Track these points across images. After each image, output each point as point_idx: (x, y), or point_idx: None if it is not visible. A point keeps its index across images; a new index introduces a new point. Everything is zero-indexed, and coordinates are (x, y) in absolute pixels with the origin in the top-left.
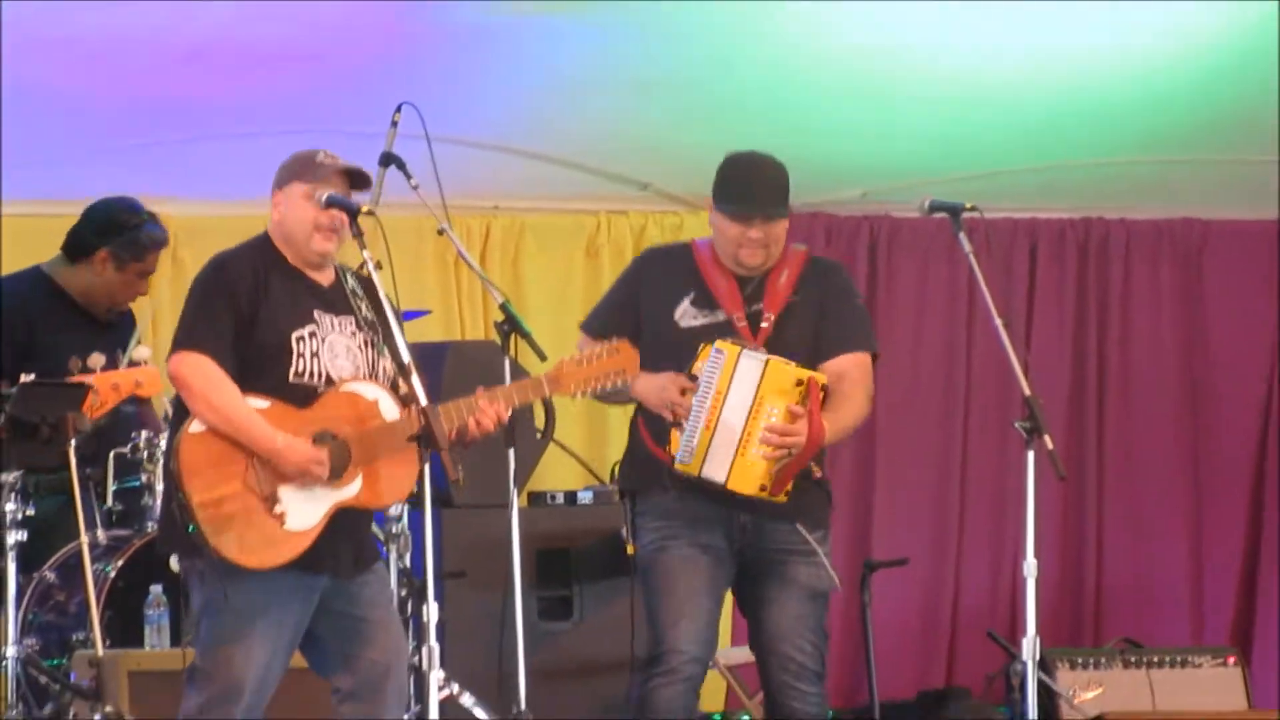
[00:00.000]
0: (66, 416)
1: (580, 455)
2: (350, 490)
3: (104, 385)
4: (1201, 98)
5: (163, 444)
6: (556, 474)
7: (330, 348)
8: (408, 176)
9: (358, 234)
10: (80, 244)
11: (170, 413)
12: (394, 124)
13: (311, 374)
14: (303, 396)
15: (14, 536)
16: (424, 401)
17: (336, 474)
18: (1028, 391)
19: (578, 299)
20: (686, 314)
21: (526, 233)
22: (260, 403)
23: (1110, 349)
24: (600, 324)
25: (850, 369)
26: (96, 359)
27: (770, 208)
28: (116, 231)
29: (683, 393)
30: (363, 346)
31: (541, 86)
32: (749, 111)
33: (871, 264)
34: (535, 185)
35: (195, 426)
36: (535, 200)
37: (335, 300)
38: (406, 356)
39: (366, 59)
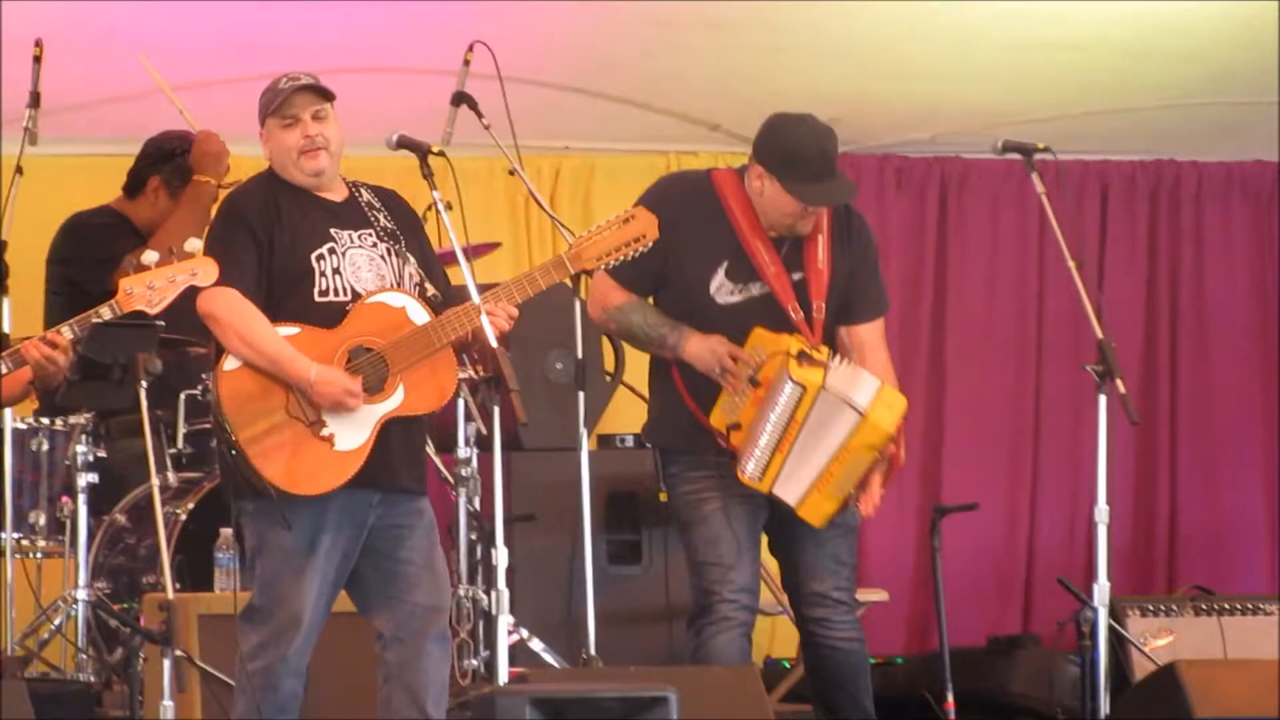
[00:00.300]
0: (137, 358)
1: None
2: (394, 401)
3: (160, 279)
4: (1271, 38)
5: None
6: (626, 417)
7: (351, 261)
8: (479, 115)
9: (428, 174)
10: (135, 178)
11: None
12: (466, 63)
13: (336, 290)
14: (331, 315)
15: (85, 479)
16: (494, 344)
17: (376, 387)
18: (1100, 335)
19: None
20: (722, 289)
21: (596, 173)
22: (290, 329)
23: (1183, 292)
24: (631, 278)
25: (875, 339)
26: (150, 256)
27: (849, 191)
28: (165, 159)
29: (734, 360)
30: (385, 256)
31: (612, 26)
32: (820, 53)
33: (942, 206)
34: (605, 126)
35: (230, 363)
36: (605, 141)
37: (350, 215)
38: (477, 297)
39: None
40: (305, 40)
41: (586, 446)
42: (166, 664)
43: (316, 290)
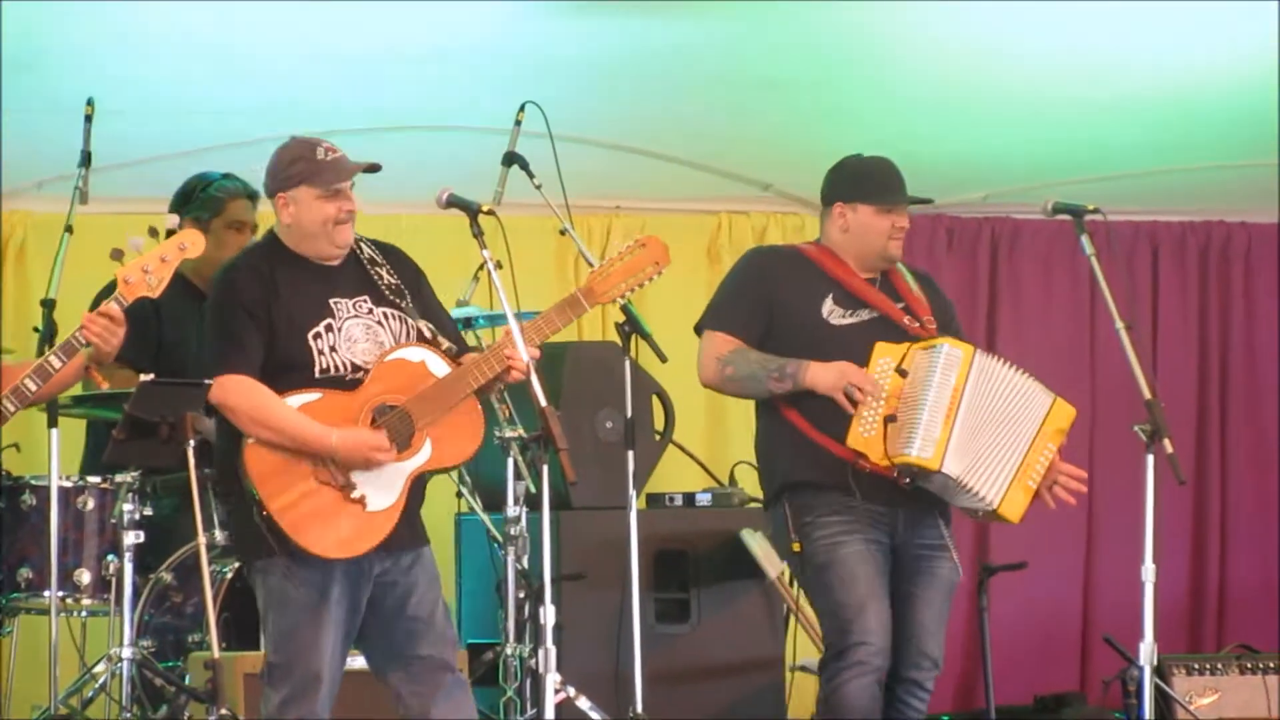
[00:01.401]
0: (185, 416)
1: (699, 457)
2: (422, 456)
3: (153, 261)
4: None
5: None
6: (675, 475)
7: (348, 335)
8: (530, 175)
9: (478, 233)
10: (169, 231)
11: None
12: (518, 123)
13: (336, 367)
14: (341, 385)
15: (131, 537)
16: (543, 402)
17: (404, 444)
18: (1148, 395)
19: (699, 299)
20: (834, 313)
21: (648, 233)
22: (311, 395)
23: (1233, 352)
24: (733, 322)
25: None
26: (137, 241)
27: (910, 196)
28: (190, 197)
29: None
30: (383, 321)
31: (664, 86)
32: (871, 112)
33: (993, 266)
34: (657, 185)
35: (251, 438)
36: (657, 200)
37: (348, 279)
38: (526, 355)
39: (489, 57)
40: (356, 99)
41: (635, 505)
42: None
43: (317, 369)
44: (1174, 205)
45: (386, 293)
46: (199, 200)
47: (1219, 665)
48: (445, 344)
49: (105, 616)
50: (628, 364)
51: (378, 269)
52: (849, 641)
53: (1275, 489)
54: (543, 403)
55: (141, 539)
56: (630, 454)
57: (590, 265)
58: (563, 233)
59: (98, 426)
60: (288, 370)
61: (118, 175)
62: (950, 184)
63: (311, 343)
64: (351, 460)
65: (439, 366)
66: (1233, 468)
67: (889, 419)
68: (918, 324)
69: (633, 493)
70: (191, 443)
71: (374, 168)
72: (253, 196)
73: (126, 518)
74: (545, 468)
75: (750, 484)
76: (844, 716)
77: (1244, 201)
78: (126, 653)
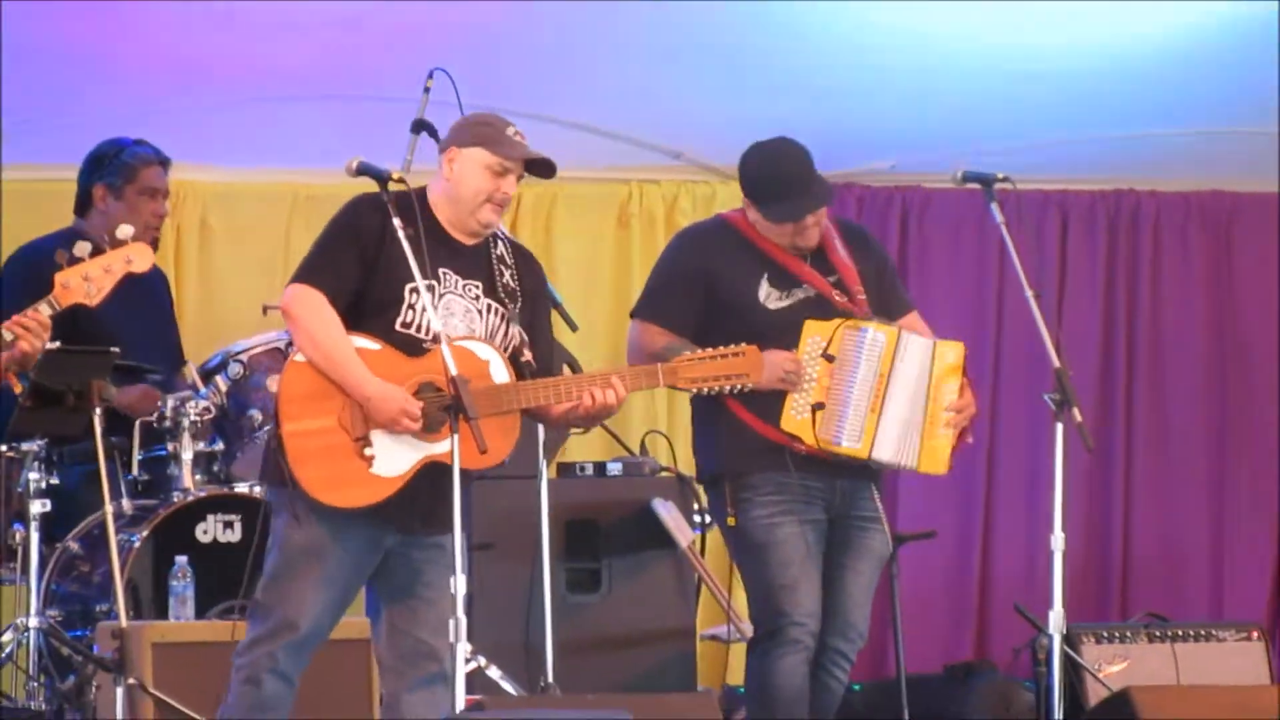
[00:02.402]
0: (92, 384)
1: (609, 426)
2: (443, 446)
3: (96, 270)
4: (1232, 68)
5: (190, 413)
6: (585, 445)
7: (446, 306)
8: (439, 143)
9: (390, 199)
10: (81, 195)
11: (196, 380)
12: (426, 90)
13: (418, 326)
14: (410, 346)
15: (38, 506)
16: (454, 371)
17: (434, 427)
18: (1057, 363)
19: (608, 268)
20: (770, 296)
21: (558, 201)
22: (371, 344)
23: (1140, 322)
24: (667, 313)
25: (922, 326)
26: (82, 247)
27: (822, 197)
28: (102, 164)
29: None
30: (485, 311)
31: (574, 53)
32: (782, 82)
33: (903, 235)
34: (568, 153)
35: (301, 356)
36: (567, 169)
37: (471, 262)
38: (439, 324)
39: (398, 25)
40: (267, 65)
41: (546, 475)
42: (119, 692)
43: (400, 320)
44: (1083, 174)
45: (500, 291)
46: (112, 166)
47: (1128, 634)
48: (526, 357)
49: (12, 586)
50: None
51: (503, 267)
52: (782, 621)
53: (1178, 457)
54: (453, 371)
55: (48, 508)
56: (540, 424)
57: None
58: None
59: (4, 395)
60: (372, 312)
61: (25, 141)
62: (860, 151)
63: (406, 294)
64: (378, 413)
65: (501, 373)
66: (1137, 438)
67: (817, 406)
68: (846, 298)
69: (543, 462)
70: (97, 411)
71: (549, 166)
72: (165, 163)
73: (33, 486)
74: (455, 437)
75: (661, 453)
76: (775, 694)
77: (1152, 171)
78: (33, 622)
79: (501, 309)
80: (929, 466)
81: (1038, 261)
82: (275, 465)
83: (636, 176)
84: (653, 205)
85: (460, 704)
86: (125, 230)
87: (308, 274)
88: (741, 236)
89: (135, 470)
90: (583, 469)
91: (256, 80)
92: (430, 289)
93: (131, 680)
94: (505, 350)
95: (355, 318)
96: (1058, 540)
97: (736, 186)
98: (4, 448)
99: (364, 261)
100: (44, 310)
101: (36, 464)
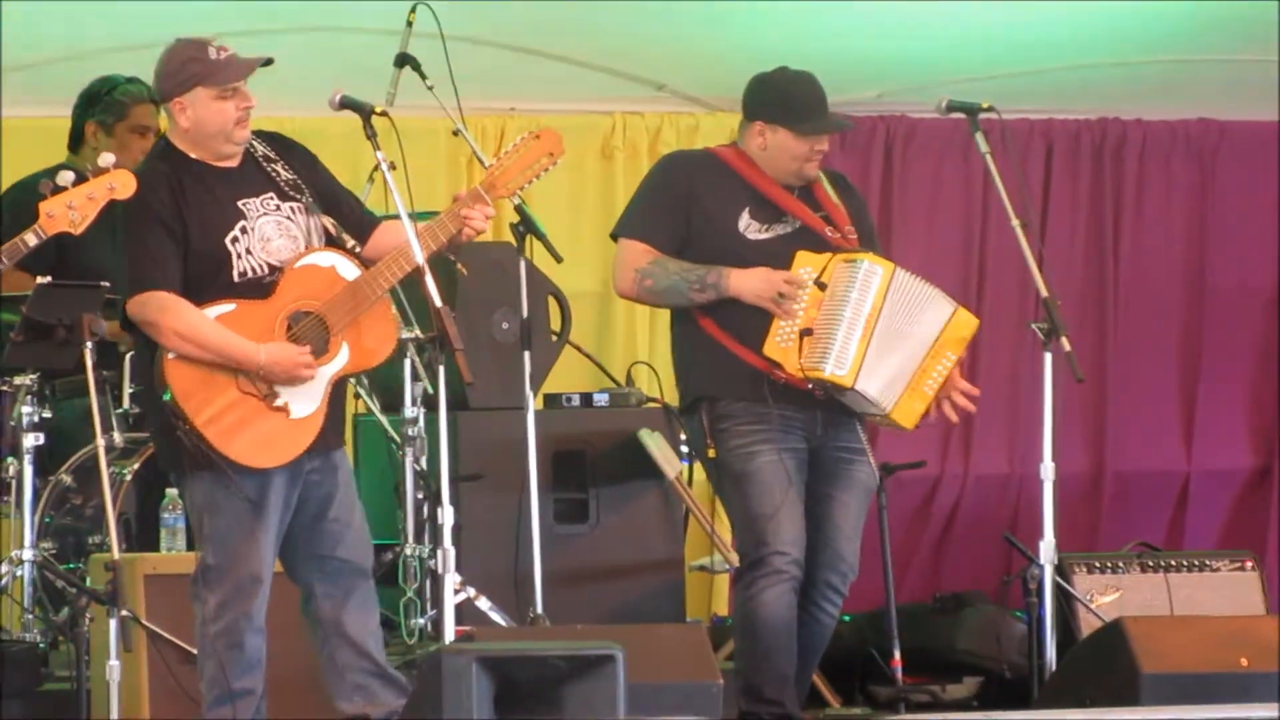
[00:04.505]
0: (82, 318)
1: (595, 358)
2: (340, 360)
3: (79, 198)
4: None
5: None
6: (572, 376)
7: (261, 235)
8: (423, 77)
9: (371, 135)
10: (73, 131)
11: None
12: (409, 24)
13: (254, 269)
14: (255, 290)
15: (30, 440)
16: (438, 303)
17: (321, 349)
18: (1045, 293)
19: (591, 200)
20: (751, 227)
21: None
22: (225, 307)
23: (1124, 251)
24: (653, 231)
25: None
26: (66, 176)
27: (838, 121)
28: (94, 101)
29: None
30: (292, 214)
31: None
32: (765, 12)
33: (887, 165)
34: (550, 86)
35: (173, 354)
36: (550, 102)
37: (251, 178)
38: (420, 257)
39: None
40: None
41: (533, 406)
42: (113, 624)
43: (235, 273)
44: (1069, 104)
45: (287, 189)
46: (104, 104)
47: (1120, 564)
48: (350, 243)
49: (5, 519)
50: (523, 264)
51: (273, 165)
52: (764, 551)
53: (1166, 387)
54: (438, 303)
55: (41, 441)
56: (526, 354)
57: (484, 166)
58: (455, 134)
59: None
60: (206, 277)
61: (11, 79)
62: (845, 82)
63: (229, 246)
64: (277, 375)
65: (349, 269)
66: (1119, 365)
67: (805, 332)
68: (839, 234)
69: (530, 393)
70: (89, 344)
71: (268, 61)
72: (156, 101)
73: (25, 420)
74: (442, 369)
75: (647, 384)
76: (761, 624)
77: (1138, 99)
78: (27, 555)
79: (299, 204)
80: (900, 418)
81: (1023, 191)
82: (194, 456)
83: (619, 108)
84: (636, 137)
85: (450, 635)
86: (107, 158)
87: (138, 280)
88: (728, 168)
89: (126, 404)
90: (569, 400)
91: (240, 12)
92: (244, 230)
93: (124, 612)
94: (325, 241)
95: (193, 288)
96: (1047, 470)
97: (720, 118)
98: None
99: (176, 241)
100: (30, 240)
101: (29, 398)
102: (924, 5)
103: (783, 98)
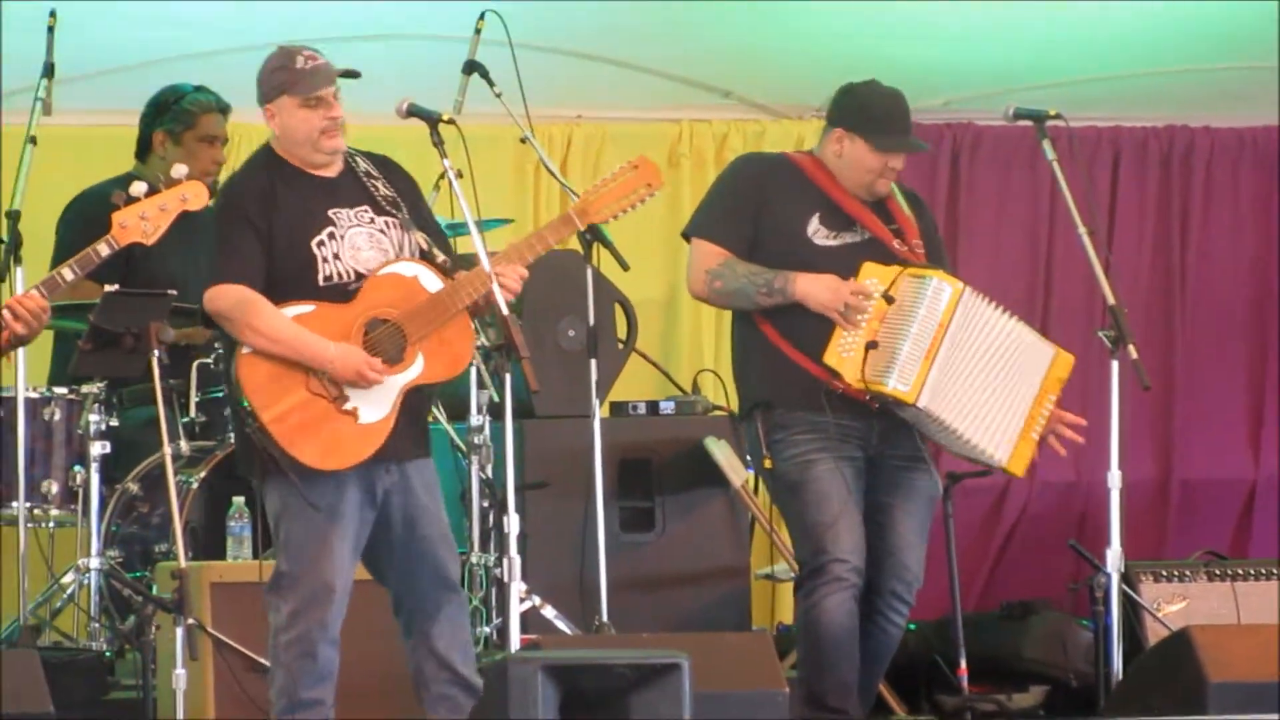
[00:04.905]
0: (150, 326)
1: (661, 365)
2: (414, 370)
3: (152, 209)
4: None
5: None
6: (638, 384)
7: (351, 243)
8: (490, 84)
9: (438, 143)
10: (141, 140)
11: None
12: (477, 31)
13: (340, 275)
14: (338, 296)
15: (97, 448)
16: (505, 311)
17: (395, 357)
18: (1112, 300)
19: (659, 207)
20: (819, 233)
21: (608, 142)
22: (305, 307)
23: (1191, 257)
24: (724, 232)
25: None
26: (138, 187)
27: (915, 143)
28: (161, 111)
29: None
30: (385, 229)
31: None
32: (832, 19)
33: (954, 172)
34: (617, 93)
35: (247, 348)
36: (617, 109)
37: (348, 190)
38: (488, 265)
39: None
40: (320, 7)
41: (599, 414)
42: (179, 632)
43: (320, 276)
44: (1136, 110)
45: (384, 204)
46: (172, 113)
47: (1186, 572)
48: (441, 258)
49: (73, 527)
50: (590, 272)
51: (374, 181)
52: (824, 559)
53: (1233, 395)
54: (505, 311)
55: (108, 449)
56: (593, 362)
57: (551, 174)
58: (523, 141)
59: (65, 337)
60: (291, 279)
61: (82, 86)
62: (911, 89)
63: (315, 250)
64: (344, 375)
65: (432, 282)
66: (1185, 372)
67: (870, 345)
68: (906, 248)
69: (596, 401)
70: (156, 353)
71: (352, 74)
72: (224, 110)
73: (93, 428)
74: (508, 376)
75: (713, 392)
76: (823, 632)
77: (1207, 106)
78: (94, 563)
79: (395, 219)
80: (1015, 466)
81: (1090, 199)
82: (264, 458)
83: (686, 116)
84: (702, 144)
85: (515, 643)
86: (180, 169)
87: (219, 273)
88: (801, 173)
89: (193, 412)
90: (635, 408)
91: (309, 20)
92: (332, 235)
93: (190, 620)
94: (417, 256)
95: (278, 289)
96: (1114, 477)
97: (787, 125)
98: (66, 390)
99: (261, 240)
100: (103, 250)
101: (96, 406)
102: (991, 12)
103: (866, 109)
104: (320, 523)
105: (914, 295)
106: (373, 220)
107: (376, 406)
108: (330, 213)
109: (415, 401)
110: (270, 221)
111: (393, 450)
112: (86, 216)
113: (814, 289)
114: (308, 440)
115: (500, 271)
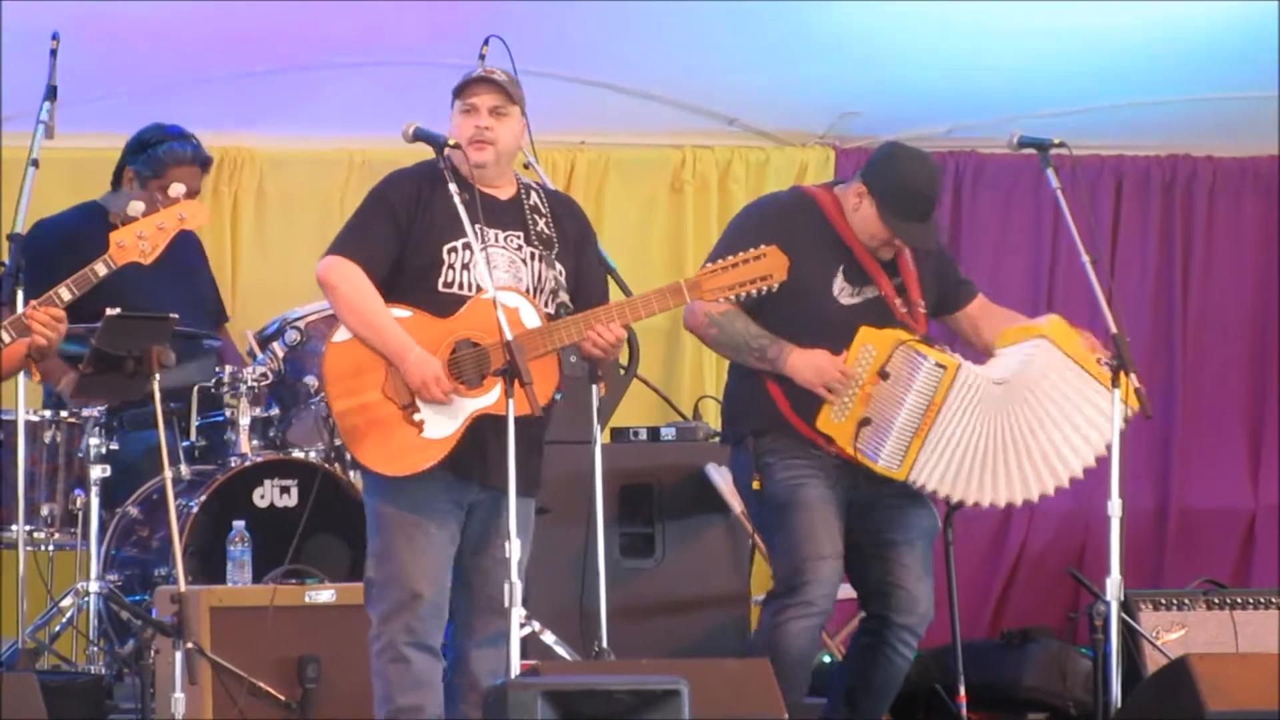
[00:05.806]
0: (151, 350)
1: (662, 391)
2: (489, 398)
3: (149, 228)
4: None
5: (247, 379)
6: (639, 411)
7: (491, 260)
8: None
9: (446, 166)
10: (117, 169)
11: (254, 347)
12: (482, 57)
13: (462, 284)
14: (451, 306)
15: (98, 471)
16: (508, 336)
17: (475, 381)
18: (1114, 329)
19: (661, 233)
20: (844, 290)
21: (611, 167)
22: (402, 312)
23: (1193, 286)
24: None
25: (986, 304)
26: (136, 206)
27: (922, 237)
28: (140, 149)
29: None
30: (528, 260)
31: (628, 18)
32: (835, 46)
33: (956, 200)
34: (621, 119)
35: (339, 335)
36: (621, 135)
37: (506, 214)
38: (491, 287)
39: None
40: (322, 33)
41: (600, 440)
42: (178, 656)
43: (441, 281)
44: (1139, 139)
45: (536, 237)
46: (145, 156)
47: (1186, 601)
48: (562, 299)
49: (72, 550)
50: None
51: (537, 216)
52: (801, 582)
53: (1233, 424)
54: (508, 336)
55: (108, 473)
56: (594, 388)
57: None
58: (526, 166)
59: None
60: (414, 276)
61: (84, 110)
62: (915, 116)
63: (444, 255)
64: (413, 379)
65: (531, 317)
66: (1186, 401)
67: (863, 422)
68: (907, 309)
69: (597, 427)
70: (157, 377)
71: (484, 79)
72: (204, 163)
73: (93, 452)
74: (510, 401)
75: (714, 418)
76: (782, 655)
77: (1210, 136)
78: (94, 586)
79: (541, 254)
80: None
81: (1092, 227)
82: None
83: (689, 142)
84: (706, 171)
85: (515, 668)
86: (177, 189)
87: (342, 246)
88: (824, 218)
89: (193, 436)
90: (636, 434)
91: (312, 46)
92: (468, 246)
93: (190, 644)
94: (544, 290)
95: (395, 286)
96: (1115, 506)
97: (790, 152)
98: (66, 413)
99: (398, 231)
100: (100, 270)
101: (96, 430)
102: (995, 41)
103: (895, 178)
104: (404, 531)
105: (908, 373)
106: (520, 248)
107: (443, 424)
108: (477, 225)
109: (497, 432)
110: (414, 220)
111: (471, 469)
112: (46, 247)
113: (801, 366)
114: (368, 439)
115: (601, 330)
